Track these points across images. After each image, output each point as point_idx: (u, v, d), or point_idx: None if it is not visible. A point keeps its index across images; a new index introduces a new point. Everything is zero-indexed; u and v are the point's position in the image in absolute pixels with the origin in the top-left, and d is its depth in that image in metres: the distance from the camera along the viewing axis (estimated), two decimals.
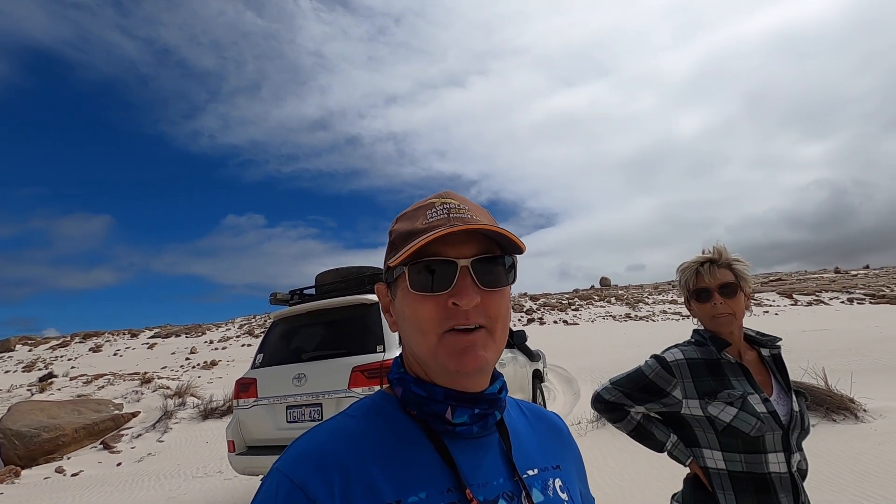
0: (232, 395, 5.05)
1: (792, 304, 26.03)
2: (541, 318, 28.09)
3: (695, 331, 1.59)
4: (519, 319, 27.69)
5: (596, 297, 34.73)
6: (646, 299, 32.44)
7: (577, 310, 30.68)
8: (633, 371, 1.58)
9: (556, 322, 27.22)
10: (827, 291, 28.94)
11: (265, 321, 36.28)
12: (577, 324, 26.28)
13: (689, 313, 1.63)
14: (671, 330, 18.31)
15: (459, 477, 0.62)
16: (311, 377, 4.08)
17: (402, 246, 0.65)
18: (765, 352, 1.53)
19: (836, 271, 43.17)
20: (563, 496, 0.69)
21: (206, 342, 29.24)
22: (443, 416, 0.65)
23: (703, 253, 1.58)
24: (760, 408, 1.41)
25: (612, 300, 33.29)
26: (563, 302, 33.42)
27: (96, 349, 28.13)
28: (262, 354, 4.62)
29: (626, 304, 31.50)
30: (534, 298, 36.03)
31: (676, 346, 1.58)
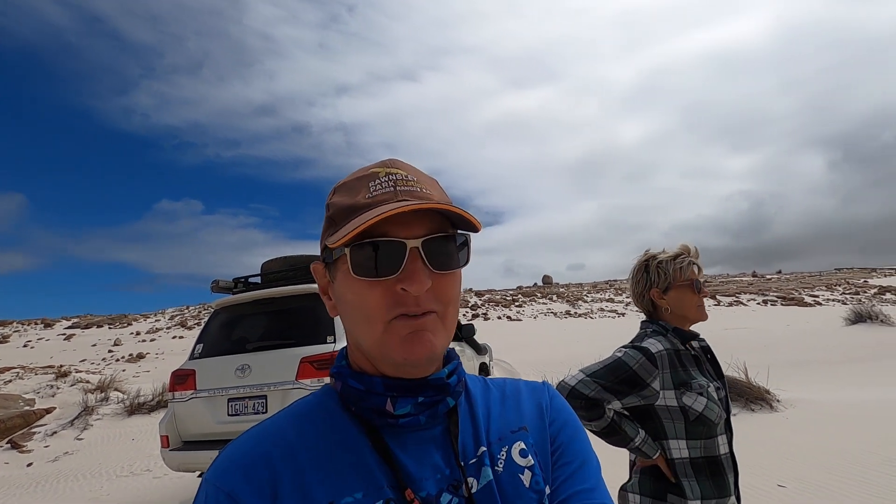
0: (167, 388, 4.75)
1: (715, 305, 28.03)
2: (485, 314, 28.56)
3: (656, 322, 1.62)
4: (464, 314, 28.02)
5: (538, 295, 35.76)
6: (584, 297, 33.79)
7: (520, 306, 31.46)
8: (613, 362, 1.51)
9: (500, 318, 27.76)
10: (745, 293, 31.42)
11: (200, 312, 34.51)
12: (520, 320, 26.95)
13: (643, 305, 1.65)
14: (607, 327, 19.20)
15: (399, 474, 0.58)
16: (256, 368, 3.91)
17: (342, 222, 0.59)
18: (695, 343, 1.61)
19: (754, 275, 46.99)
20: (523, 461, 0.63)
21: (132, 334, 27.36)
22: (383, 408, 0.60)
23: (691, 250, 1.64)
24: (715, 395, 1.50)
25: (554, 297, 34.42)
26: (508, 298, 34.16)
27: (3, 340, 25.58)
28: (201, 345, 4.38)
29: (567, 301, 32.67)
30: (479, 294, 36.56)
31: (650, 336, 1.57)
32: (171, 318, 34.76)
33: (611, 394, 1.49)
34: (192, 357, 4.36)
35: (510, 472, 0.62)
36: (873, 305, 15.12)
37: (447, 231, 0.60)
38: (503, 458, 0.63)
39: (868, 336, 11.37)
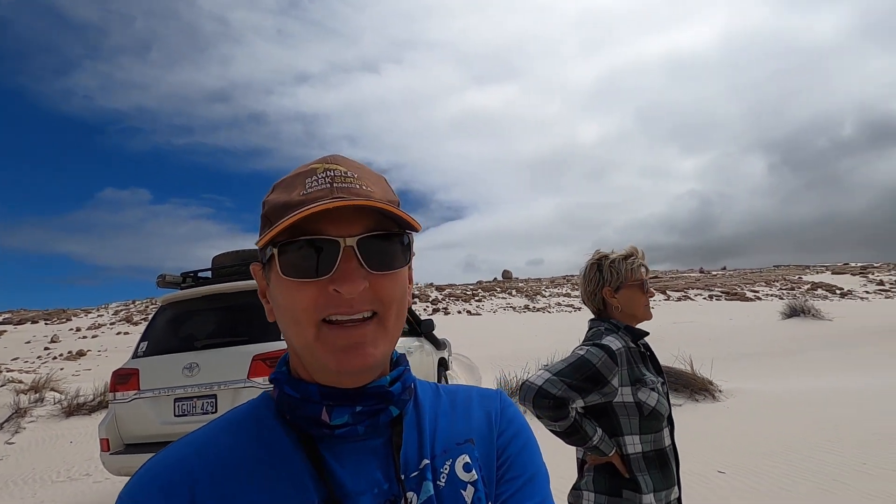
0: (108, 389, 4.50)
1: (665, 300, 29.28)
2: (446, 309, 28.68)
3: (608, 321, 1.65)
4: (424, 309, 28.03)
5: (498, 289, 36.22)
6: (543, 292, 34.51)
7: (480, 301, 31.78)
8: (577, 360, 1.51)
9: (460, 312, 27.94)
10: (693, 289, 32.98)
11: (147, 307, 32.91)
12: (479, 314, 27.22)
13: (594, 304, 1.68)
14: (565, 321, 19.69)
15: (332, 489, 0.54)
16: (206, 367, 3.76)
17: (274, 221, 0.55)
18: (641, 341, 1.65)
19: (701, 271, 49.32)
20: (466, 476, 0.60)
21: (71, 330, 25.78)
22: (319, 418, 0.57)
23: (639, 252, 1.68)
24: (662, 390, 1.56)
25: (513, 292, 34.96)
26: (468, 293, 34.43)
27: None
28: (146, 342, 4.17)
29: (526, 296, 33.26)
30: (440, 289, 36.66)
31: (606, 334, 1.59)
32: (116, 312, 33.01)
33: (576, 392, 1.48)
34: (135, 355, 4.15)
35: (452, 487, 0.59)
36: (806, 300, 16.18)
37: (388, 230, 0.57)
38: (446, 472, 0.60)
39: (801, 329, 12.16)
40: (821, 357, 9.57)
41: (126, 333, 23.36)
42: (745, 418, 5.72)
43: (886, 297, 26.56)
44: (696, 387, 6.84)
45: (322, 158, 0.61)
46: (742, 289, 32.16)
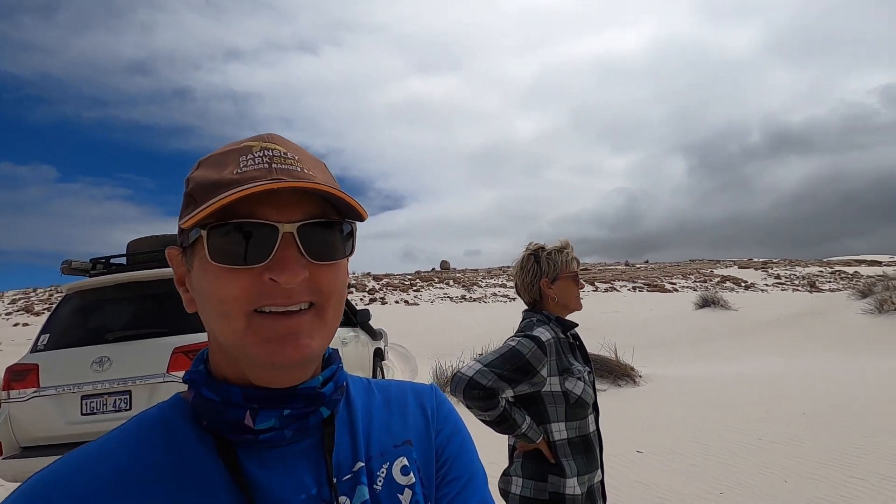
0: (1, 387, 4.04)
1: (593, 290, 30.82)
2: (383, 298, 28.46)
3: (540, 312, 1.69)
4: (361, 299, 27.66)
5: (436, 280, 36.44)
6: (479, 282, 35.16)
7: (418, 290, 31.83)
8: (508, 351, 1.55)
9: (397, 302, 27.84)
10: (619, 280, 34.97)
11: (51, 296, 29.94)
12: (417, 304, 27.27)
13: (530, 294, 1.71)
14: (500, 311, 20.18)
15: (251, 497, 0.50)
16: (118, 361, 3.46)
17: (202, 200, 0.50)
18: (570, 332, 1.72)
19: (626, 264, 52.39)
20: (404, 479, 0.57)
21: None
22: (241, 423, 0.51)
23: (567, 244, 1.73)
24: (588, 378, 1.62)
25: (451, 282, 35.33)
26: (406, 283, 34.36)
27: None
28: (47, 335, 3.78)
29: (463, 286, 33.74)
30: (377, 278, 36.29)
31: (537, 326, 1.63)
32: (13, 301, 29.78)
33: (505, 382, 1.52)
34: (34, 349, 3.74)
35: (389, 491, 0.56)
36: (716, 292, 17.65)
37: (330, 217, 0.53)
38: (383, 475, 0.57)
39: (712, 318, 13.27)
40: (728, 344, 10.50)
41: (25, 325, 21.15)
42: (662, 401, 6.16)
43: (782, 290, 29.58)
44: (619, 373, 7.27)
45: (258, 136, 0.55)
46: (662, 281, 34.53)
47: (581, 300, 1.73)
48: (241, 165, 0.51)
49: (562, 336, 1.65)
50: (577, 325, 1.71)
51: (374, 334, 7.25)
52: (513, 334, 1.68)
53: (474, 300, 28.82)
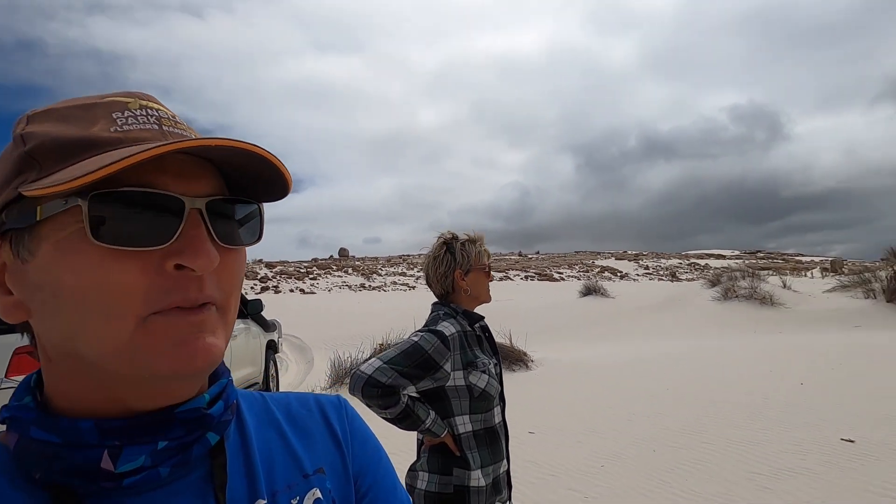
0: None
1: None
2: (276, 287, 27.02)
3: (447, 305, 1.67)
4: (252, 288, 25.98)
5: (334, 267, 35.45)
6: (379, 271, 34.87)
7: (314, 279, 30.70)
8: (409, 347, 1.52)
9: (292, 291, 26.62)
10: (513, 270, 36.88)
11: None
12: (314, 293, 26.31)
13: (442, 286, 1.67)
14: (400, 300, 20.20)
15: None
16: None
17: (63, 161, 0.37)
18: (478, 324, 1.73)
19: (520, 254, 55.45)
20: None
21: None
22: (97, 468, 0.38)
23: (481, 237, 1.72)
24: (494, 371, 1.63)
25: (350, 270, 34.60)
26: (301, 270, 32.95)
27: None
28: None
29: (362, 274, 33.21)
30: (270, 266, 34.32)
31: (443, 320, 1.60)
32: None
33: (407, 379, 1.49)
34: None
35: None
36: (597, 281, 19.34)
37: (237, 196, 0.43)
38: None
39: (594, 305, 14.52)
40: (608, 329, 11.57)
41: None
42: (552, 384, 6.60)
43: (650, 279, 33.36)
44: (513, 358, 7.65)
45: (125, 92, 0.43)
46: (551, 271, 37.06)
47: (489, 293, 1.73)
48: (119, 123, 0.40)
49: (468, 329, 1.64)
50: (483, 317, 1.71)
51: (267, 326, 6.84)
52: (417, 329, 1.64)
53: (374, 289, 28.54)
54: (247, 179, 0.43)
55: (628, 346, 9.15)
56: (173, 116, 0.43)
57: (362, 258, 46.12)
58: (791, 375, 6.10)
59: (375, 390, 1.45)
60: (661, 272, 37.89)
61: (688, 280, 29.81)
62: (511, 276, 33.87)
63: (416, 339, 1.55)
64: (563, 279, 33.12)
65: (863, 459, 3.65)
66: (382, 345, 7.38)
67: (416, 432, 1.59)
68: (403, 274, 33.45)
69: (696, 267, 41.28)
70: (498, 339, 8.32)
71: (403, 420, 1.50)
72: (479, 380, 1.57)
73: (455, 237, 1.71)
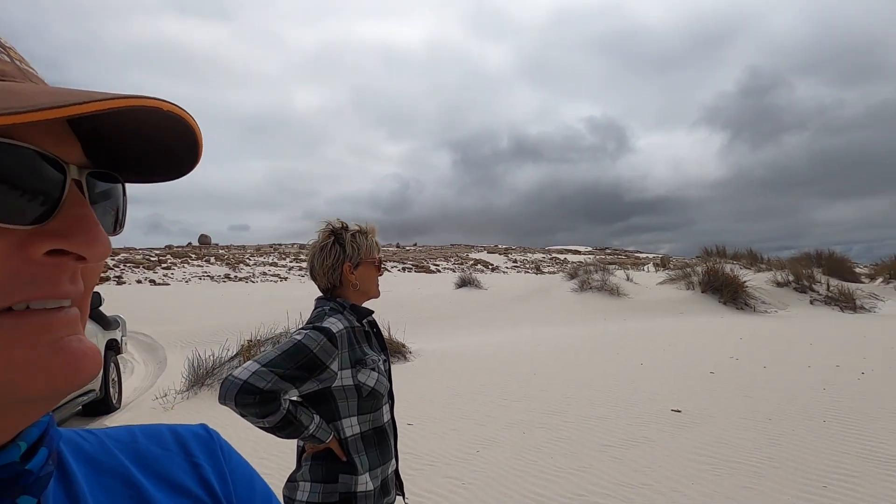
0: None
1: None
2: (119, 277, 23.56)
3: (333, 300, 1.55)
4: None
5: (193, 256, 32.03)
6: (247, 260, 32.36)
7: (168, 268, 27.39)
8: (292, 347, 1.36)
9: (140, 281, 23.45)
10: (391, 261, 36.91)
11: None
12: (167, 284, 23.48)
13: (330, 279, 1.55)
14: (270, 291, 18.96)
15: None
16: None
17: None
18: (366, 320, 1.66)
19: (397, 246, 55.75)
20: None
21: None
22: None
23: (373, 229, 1.61)
24: (383, 367, 1.55)
25: (212, 259, 31.56)
26: (152, 259, 29.16)
27: None
28: None
29: (227, 264, 30.51)
30: (113, 253, 29.82)
31: (329, 315, 1.48)
32: None
33: (289, 382, 1.33)
34: None
35: None
36: (471, 273, 20.21)
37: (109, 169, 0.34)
38: None
39: (468, 296, 15.14)
40: (481, 318, 12.15)
41: None
42: (429, 373, 6.70)
43: (518, 272, 35.90)
44: (392, 350, 7.62)
45: None
46: (428, 263, 37.88)
47: (377, 288, 1.65)
48: None
49: (357, 324, 1.54)
50: (373, 311, 1.62)
51: (107, 323, 5.90)
52: (300, 326, 1.50)
53: (240, 279, 26.40)
54: (118, 153, 0.34)
55: (500, 335, 9.71)
56: (21, 56, 0.33)
57: (227, 246, 42.36)
58: (634, 357, 6.99)
59: (252, 397, 1.28)
60: (528, 265, 41.02)
61: (550, 273, 32.70)
62: (389, 268, 33.89)
63: (299, 337, 1.40)
64: (439, 271, 34.07)
65: (688, 426, 4.30)
66: (251, 341, 6.81)
67: (296, 442, 1.45)
68: (274, 264, 31.47)
69: (557, 261, 45.44)
70: None
71: (284, 428, 1.34)
72: (369, 378, 1.48)
73: (345, 227, 1.58)
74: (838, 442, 3.78)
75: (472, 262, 40.85)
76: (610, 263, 23.66)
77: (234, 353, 6.59)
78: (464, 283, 17.46)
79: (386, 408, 1.57)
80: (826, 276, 14.03)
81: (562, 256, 49.62)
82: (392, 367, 6.72)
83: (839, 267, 15.28)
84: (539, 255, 50.08)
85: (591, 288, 14.30)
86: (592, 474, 3.54)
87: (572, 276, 16.23)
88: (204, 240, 43.90)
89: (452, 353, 7.83)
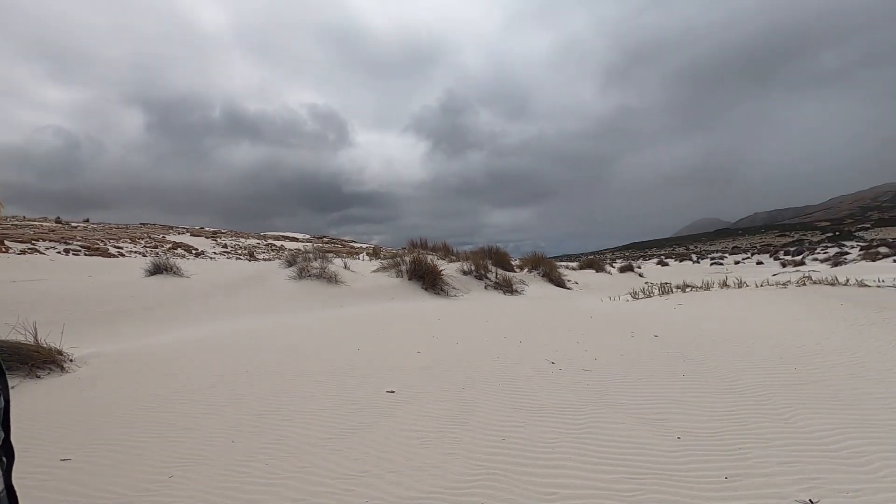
0: None
1: (3, 253, 23.18)
2: None
3: None
4: None
5: None
6: None
7: None
8: None
9: None
10: (45, 240, 28.00)
11: None
12: None
13: None
14: None
15: None
16: None
17: None
18: None
19: (58, 221, 42.97)
20: None
21: None
22: None
23: None
24: None
25: None
26: None
27: None
28: None
29: None
30: None
31: None
32: None
33: None
34: None
35: None
36: (168, 258, 17.18)
37: None
38: None
39: (165, 285, 12.75)
40: (180, 311, 10.35)
41: None
42: (100, 384, 5.22)
43: (228, 258, 32.62)
44: (38, 360, 5.63)
45: None
46: (106, 244, 30.50)
47: None
48: None
49: None
50: None
51: None
52: None
53: None
54: None
55: (205, 329, 8.46)
56: None
57: None
58: (349, 342, 7.13)
59: None
60: (240, 251, 37.80)
61: (265, 260, 30.90)
62: (41, 250, 25.71)
63: None
64: (122, 255, 27.83)
65: (402, 405, 4.58)
66: None
67: None
68: None
69: (273, 248, 43.47)
70: (14, 336, 5.98)
71: None
72: None
73: None
74: (510, 400, 4.66)
75: (170, 245, 34.96)
76: (328, 252, 24.01)
77: None
78: (158, 269, 14.67)
79: None
80: (494, 266, 17.71)
81: (278, 243, 47.82)
82: (40, 382, 4.99)
83: (502, 259, 19.59)
84: (253, 241, 46.90)
85: (309, 275, 14.09)
86: (312, 473, 3.34)
87: (291, 264, 15.68)
88: None
89: (139, 356, 6.35)
